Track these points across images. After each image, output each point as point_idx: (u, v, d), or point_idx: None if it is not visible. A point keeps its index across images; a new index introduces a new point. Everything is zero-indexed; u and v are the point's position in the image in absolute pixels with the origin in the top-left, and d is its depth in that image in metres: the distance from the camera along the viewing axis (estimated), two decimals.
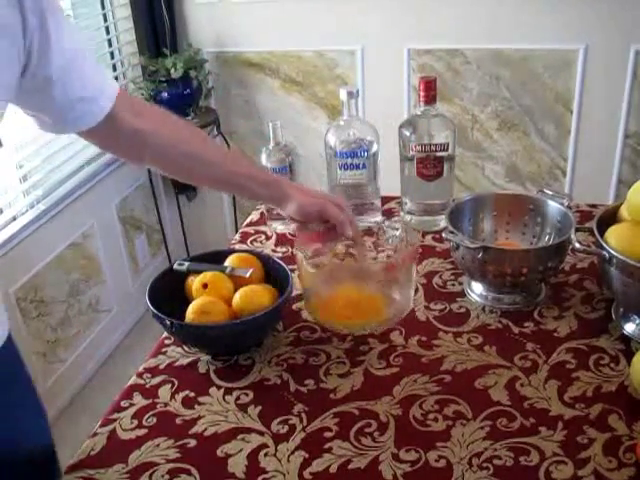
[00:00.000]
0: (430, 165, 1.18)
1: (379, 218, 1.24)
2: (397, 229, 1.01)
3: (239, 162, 0.99)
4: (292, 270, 0.99)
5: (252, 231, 1.29)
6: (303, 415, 0.83)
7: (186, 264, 1.01)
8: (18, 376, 0.96)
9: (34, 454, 0.94)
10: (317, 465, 0.76)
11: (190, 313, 0.93)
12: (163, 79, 2.30)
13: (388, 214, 1.29)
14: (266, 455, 0.78)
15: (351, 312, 0.95)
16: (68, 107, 0.83)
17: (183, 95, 2.34)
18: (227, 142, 2.52)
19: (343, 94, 1.15)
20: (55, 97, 0.81)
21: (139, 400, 0.88)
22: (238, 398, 0.87)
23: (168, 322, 0.90)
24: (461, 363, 0.90)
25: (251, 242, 1.25)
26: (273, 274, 1.01)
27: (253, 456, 0.78)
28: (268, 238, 1.26)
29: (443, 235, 1.00)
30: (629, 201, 0.94)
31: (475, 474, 0.73)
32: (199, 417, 0.84)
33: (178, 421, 0.84)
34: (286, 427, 0.82)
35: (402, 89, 2.30)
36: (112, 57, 2.44)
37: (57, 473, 0.93)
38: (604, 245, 0.89)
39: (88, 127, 0.87)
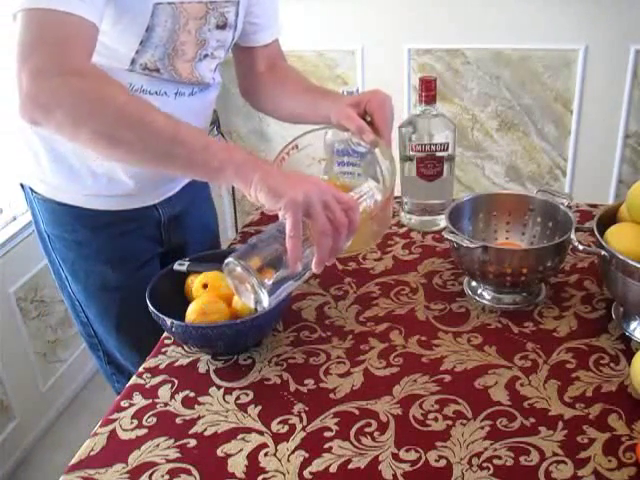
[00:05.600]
0: (430, 165, 1.18)
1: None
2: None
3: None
4: None
5: (252, 231, 1.29)
6: (303, 415, 0.83)
7: (186, 264, 1.01)
8: None
9: None
10: (317, 465, 0.76)
11: (190, 313, 0.93)
12: None
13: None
14: (266, 455, 0.78)
15: None
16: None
17: None
18: (227, 142, 2.52)
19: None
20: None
21: (139, 400, 0.88)
22: (238, 398, 0.87)
23: (168, 322, 0.90)
24: (461, 363, 0.90)
25: None
26: None
27: (253, 456, 0.78)
28: None
29: (443, 235, 1.00)
30: (629, 201, 0.94)
31: (475, 474, 0.73)
32: (199, 417, 0.84)
33: (178, 421, 0.84)
34: (286, 427, 0.82)
35: (402, 89, 2.30)
36: None
37: None
38: (604, 245, 0.89)
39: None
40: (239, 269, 0.76)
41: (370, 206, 0.87)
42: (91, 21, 0.85)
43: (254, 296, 0.77)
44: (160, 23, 0.95)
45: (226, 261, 0.77)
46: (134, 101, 0.83)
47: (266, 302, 0.77)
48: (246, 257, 0.76)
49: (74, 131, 0.83)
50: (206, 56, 1.06)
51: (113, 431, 0.83)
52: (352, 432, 0.80)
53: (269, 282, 0.76)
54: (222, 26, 1.04)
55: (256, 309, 0.80)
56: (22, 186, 1.18)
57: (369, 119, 1.00)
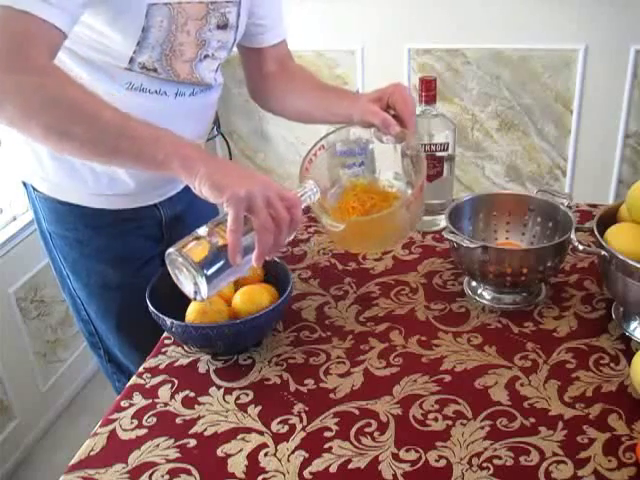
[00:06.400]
0: (430, 165, 1.18)
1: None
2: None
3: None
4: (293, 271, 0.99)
5: None
6: (303, 415, 0.83)
7: None
8: None
9: None
10: (317, 465, 0.76)
11: (190, 313, 0.93)
12: None
13: None
14: (266, 455, 0.78)
15: (359, 205, 0.95)
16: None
17: None
18: (227, 142, 2.52)
19: None
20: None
21: (139, 400, 0.88)
22: (238, 398, 0.87)
23: (168, 322, 0.90)
24: (461, 363, 0.90)
25: None
26: (273, 274, 1.01)
27: (253, 456, 0.78)
28: None
29: (443, 235, 1.00)
30: (629, 201, 0.94)
31: (475, 474, 0.73)
32: (199, 417, 0.84)
33: (178, 421, 0.84)
34: (286, 427, 0.82)
35: None
36: None
37: None
38: (604, 245, 0.89)
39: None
40: (180, 259, 0.78)
41: (314, 203, 0.89)
42: (52, 23, 0.84)
43: (194, 287, 0.79)
44: (155, 24, 0.95)
45: (168, 251, 0.79)
46: (85, 97, 0.83)
47: (205, 292, 0.78)
48: (187, 248, 0.78)
49: (25, 125, 0.84)
50: (207, 57, 1.05)
51: (113, 431, 0.83)
52: (352, 432, 0.80)
53: (208, 272, 0.77)
54: (223, 26, 1.04)
55: (195, 299, 0.81)
56: (24, 184, 1.18)
57: (392, 112, 1.01)
